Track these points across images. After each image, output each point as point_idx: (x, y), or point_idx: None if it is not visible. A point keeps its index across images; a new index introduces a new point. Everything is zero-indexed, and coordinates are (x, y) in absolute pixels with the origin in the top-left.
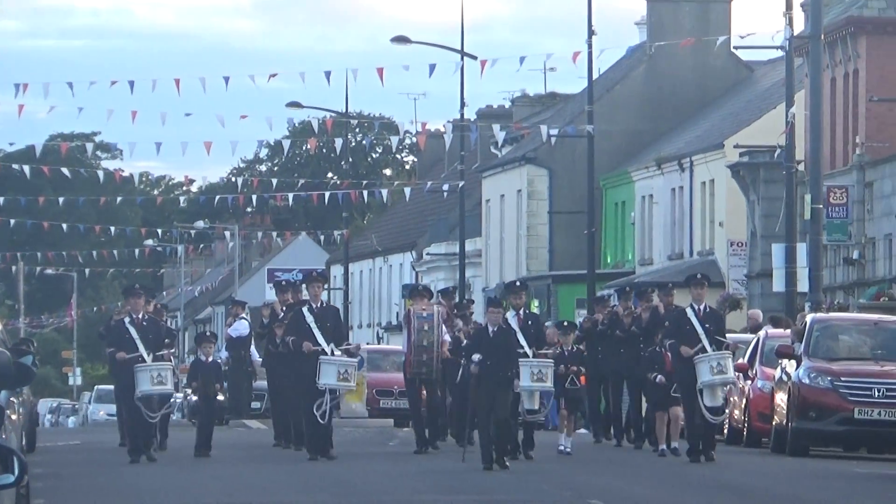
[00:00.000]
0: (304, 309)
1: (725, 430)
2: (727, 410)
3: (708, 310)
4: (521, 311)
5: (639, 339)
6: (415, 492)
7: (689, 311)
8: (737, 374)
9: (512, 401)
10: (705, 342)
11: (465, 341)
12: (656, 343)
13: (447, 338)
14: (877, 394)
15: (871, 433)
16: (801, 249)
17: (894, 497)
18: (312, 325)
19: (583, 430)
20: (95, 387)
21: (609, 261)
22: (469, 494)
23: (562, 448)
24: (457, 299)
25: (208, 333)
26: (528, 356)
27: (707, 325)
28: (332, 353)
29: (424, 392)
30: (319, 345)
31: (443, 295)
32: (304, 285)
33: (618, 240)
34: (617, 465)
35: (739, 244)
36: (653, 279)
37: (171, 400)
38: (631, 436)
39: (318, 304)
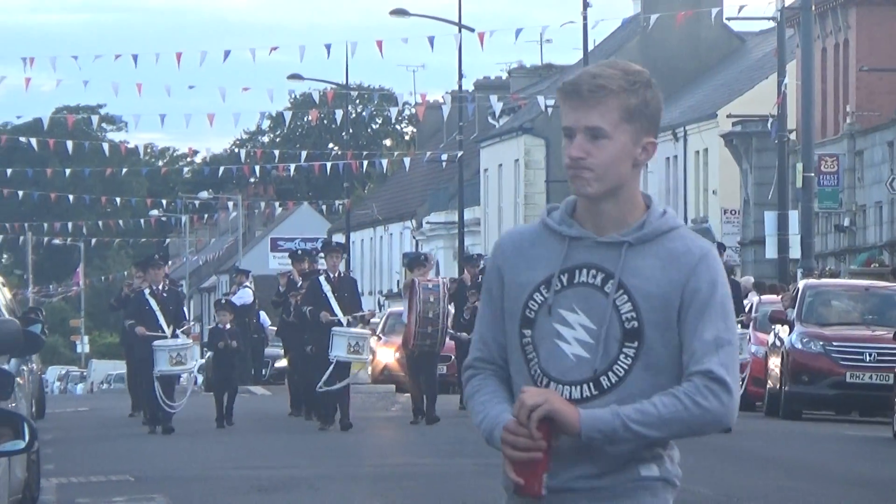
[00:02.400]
0: (321, 278)
1: None
2: None
3: None
4: None
5: None
6: (416, 456)
7: None
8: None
9: None
10: None
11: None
12: None
13: (451, 309)
14: (868, 358)
15: (863, 396)
16: (793, 217)
17: (884, 458)
18: (329, 294)
19: None
20: None
21: None
22: (467, 458)
23: None
24: (481, 266)
25: (224, 301)
26: None
27: None
28: (349, 324)
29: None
30: (336, 315)
31: (467, 262)
32: (321, 254)
33: None
34: None
35: (733, 212)
36: None
37: (192, 376)
38: None
39: (336, 274)
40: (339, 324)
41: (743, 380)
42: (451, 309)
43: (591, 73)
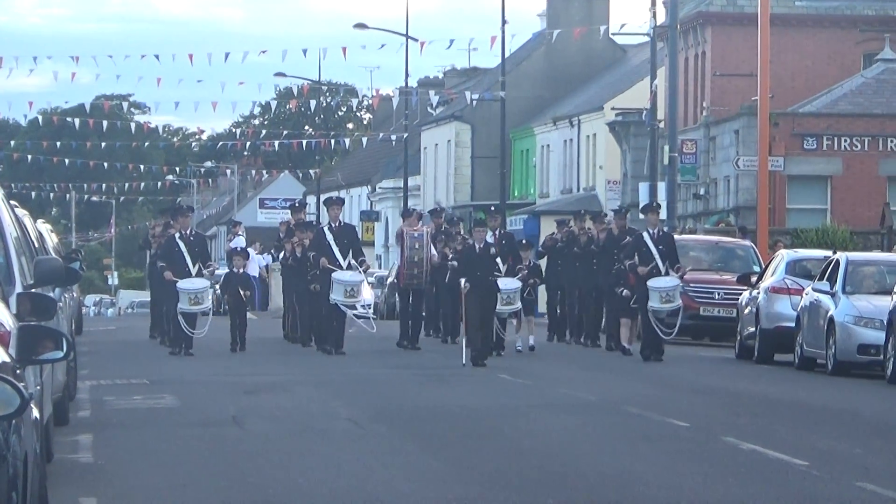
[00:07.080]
0: (325, 228)
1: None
2: (676, 325)
3: (661, 233)
4: (497, 231)
5: (593, 254)
6: (370, 368)
7: (645, 235)
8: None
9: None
10: (658, 262)
11: (451, 255)
12: (616, 260)
13: (434, 253)
14: (717, 296)
15: (713, 326)
16: (661, 187)
17: (727, 373)
18: (332, 242)
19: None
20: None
21: (516, 194)
22: (410, 370)
23: (518, 347)
24: (443, 218)
25: (238, 249)
26: (500, 270)
27: (660, 247)
28: (349, 267)
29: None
30: (337, 261)
31: (433, 214)
32: (325, 206)
33: (523, 178)
34: (552, 356)
35: (615, 182)
36: (549, 207)
37: (209, 313)
38: (581, 336)
39: (337, 224)
40: (340, 267)
41: (679, 317)
42: (434, 252)
43: None
